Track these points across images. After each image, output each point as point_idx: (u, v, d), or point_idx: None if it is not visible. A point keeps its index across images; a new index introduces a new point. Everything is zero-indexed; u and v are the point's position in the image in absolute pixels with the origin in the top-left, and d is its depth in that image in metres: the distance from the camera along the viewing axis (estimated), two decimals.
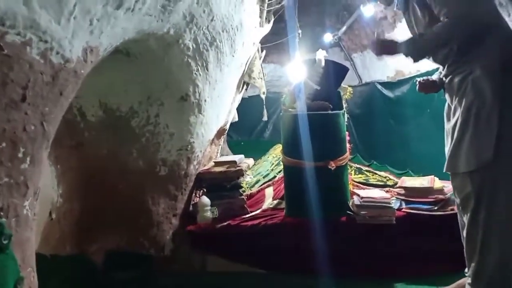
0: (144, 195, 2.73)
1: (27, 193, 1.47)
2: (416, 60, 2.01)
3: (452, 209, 2.59)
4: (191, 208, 3.08)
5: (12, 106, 1.38)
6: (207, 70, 2.71)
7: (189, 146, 2.85)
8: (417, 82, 2.25)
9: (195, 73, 2.64)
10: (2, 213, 1.37)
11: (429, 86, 2.20)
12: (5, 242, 1.34)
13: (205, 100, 2.81)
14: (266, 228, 2.81)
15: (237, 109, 4.43)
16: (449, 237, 2.48)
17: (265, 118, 4.07)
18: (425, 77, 2.24)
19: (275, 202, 3.21)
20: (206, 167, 3.20)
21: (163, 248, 2.81)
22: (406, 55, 2.01)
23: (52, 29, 1.47)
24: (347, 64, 6.98)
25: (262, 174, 4.10)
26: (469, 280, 1.95)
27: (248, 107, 5.97)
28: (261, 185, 3.73)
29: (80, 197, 2.71)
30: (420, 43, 1.97)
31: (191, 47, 2.53)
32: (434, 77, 2.23)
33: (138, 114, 2.65)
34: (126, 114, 2.65)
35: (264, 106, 3.95)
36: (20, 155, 1.43)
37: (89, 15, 1.61)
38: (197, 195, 3.17)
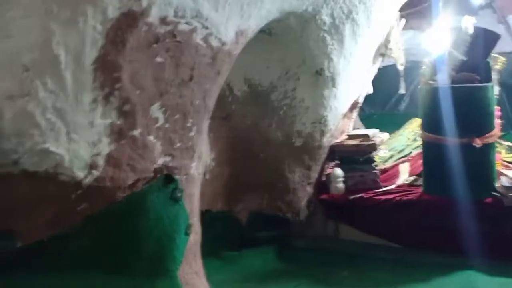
0: (281, 163, 2.96)
1: (194, 156, 1.78)
2: None
3: None
4: (324, 178, 3.21)
5: (183, 85, 1.68)
6: (343, 43, 2.75)
7: (323, 119, 2.97)
8: None
9: (330, 47, 2.71)
10: (176, 172, 1.71)
11: None
12: (179, 195, 1.68)
13: (339, 74, 2.86)
14: (401, 204, 2.79)
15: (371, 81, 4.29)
16: None
17: (402, 91, 3.88)
18: None
19: (412, 178, 3.13)
20: (338, 140, 3.28)
21: (298, 213, 3.02)
22: None
23: (212, 17, 1.71)
24: (500, 27, 6.09)
25: (397, 149, 3.97)
26: None
27: (382, 78, 5.65)
28: (396, 160, 3.64)
29: (228, 162, 3.07)
30: None
31: (327, 22, 2.59)
32: None
33: (277, 88, 2.85)
34: (267, 89, 2.88)
35: (402, 78, 3.77)
36: (188, 124, 1.74)
37: (240, 1, 1.82)
38: (330, 167, 3.28)
